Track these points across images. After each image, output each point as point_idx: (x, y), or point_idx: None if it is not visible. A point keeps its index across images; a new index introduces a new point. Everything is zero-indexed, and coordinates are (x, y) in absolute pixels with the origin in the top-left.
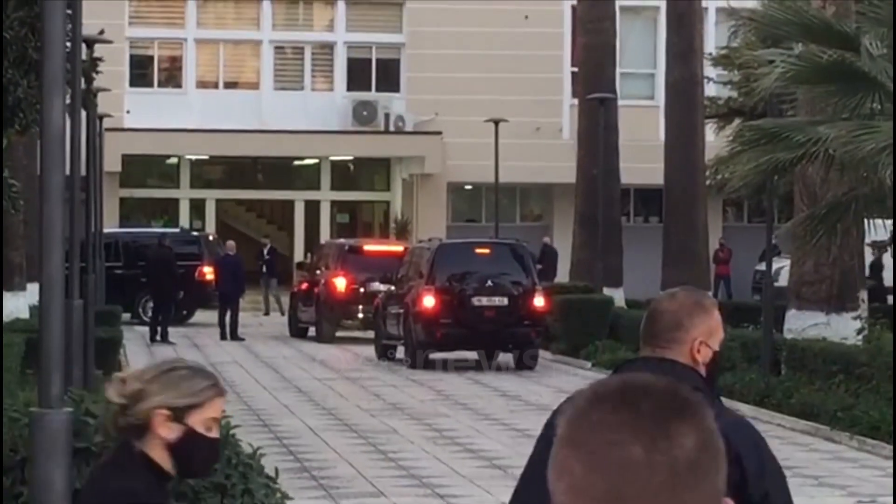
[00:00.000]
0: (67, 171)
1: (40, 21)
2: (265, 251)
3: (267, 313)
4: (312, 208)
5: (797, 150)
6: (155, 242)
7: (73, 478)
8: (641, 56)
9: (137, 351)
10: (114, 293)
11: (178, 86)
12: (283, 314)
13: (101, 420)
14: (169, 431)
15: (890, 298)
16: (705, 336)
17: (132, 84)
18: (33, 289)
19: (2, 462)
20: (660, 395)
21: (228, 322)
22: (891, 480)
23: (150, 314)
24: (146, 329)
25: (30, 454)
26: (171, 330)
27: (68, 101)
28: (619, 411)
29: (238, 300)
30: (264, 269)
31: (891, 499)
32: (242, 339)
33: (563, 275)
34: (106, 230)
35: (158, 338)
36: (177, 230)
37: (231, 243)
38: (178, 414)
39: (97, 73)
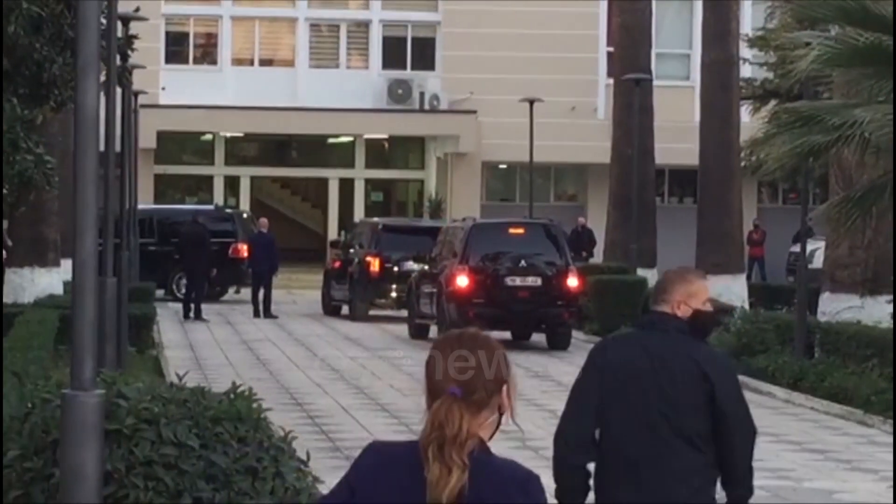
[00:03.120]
0: (102, 148)
1: None
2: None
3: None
4: (347, 186)
5: (833, 133)
6: (189, 219)
7: (103, 460)
8: (677, 37)
9: (171, 328)
10: (147, 270)
11: (214, 63)
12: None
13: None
14: None
15: None
16: (684, 298)
17: (167, 61)
18: (67, 265)
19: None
20: None
21: (262, 300)
22: None
23: (183, 291)
24: (180, 306)
25: (61, 436)
26: (204, 307)
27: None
28: None
29: (271, 278)
30: None
31: None
32: (275, 317)
33: (596, 255)
34: (140, 207)
35: (192, 315)
36: (211, 207)
37: (264, 221)
38: None
39: (133, 50)
